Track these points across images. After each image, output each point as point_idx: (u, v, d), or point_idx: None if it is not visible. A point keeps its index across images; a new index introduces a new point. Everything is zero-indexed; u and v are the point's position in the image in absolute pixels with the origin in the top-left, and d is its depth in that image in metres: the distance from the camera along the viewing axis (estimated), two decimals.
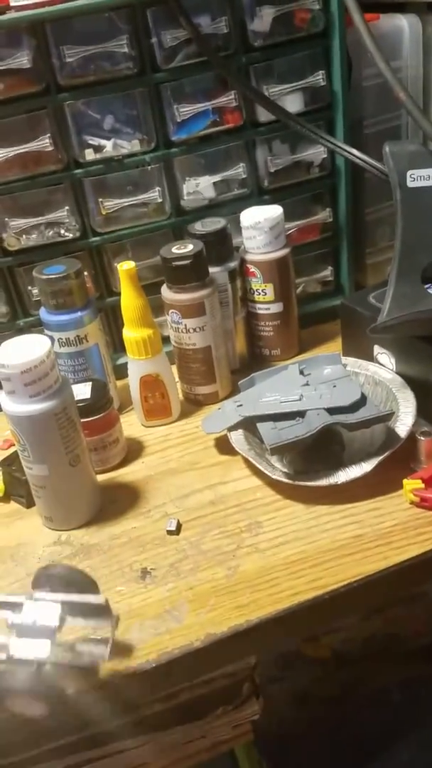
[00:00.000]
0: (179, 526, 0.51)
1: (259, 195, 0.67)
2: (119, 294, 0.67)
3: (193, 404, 0.65)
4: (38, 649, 0.38)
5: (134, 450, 0.61)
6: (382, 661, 0.91)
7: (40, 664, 0.38)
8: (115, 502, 0.55)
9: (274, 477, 0.51)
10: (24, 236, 0.62)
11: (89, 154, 0.61)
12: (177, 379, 0.64)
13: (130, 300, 0.57)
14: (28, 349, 0.47)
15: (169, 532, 0.51)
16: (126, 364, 0.61)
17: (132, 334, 0.58)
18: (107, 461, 0.58)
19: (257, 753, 0.96)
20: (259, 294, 0.65)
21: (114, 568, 0.49)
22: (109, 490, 0.56)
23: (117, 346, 0.68)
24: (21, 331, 0.67)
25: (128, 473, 0.58)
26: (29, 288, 0.65)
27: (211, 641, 0.42)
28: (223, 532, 0.50)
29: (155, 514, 0.53)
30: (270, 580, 0.45)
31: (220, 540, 0.50)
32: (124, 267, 0.56)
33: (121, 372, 0.65)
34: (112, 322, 0.68)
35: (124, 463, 0.59)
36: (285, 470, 0.54)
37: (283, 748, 0.90)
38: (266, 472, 0.52)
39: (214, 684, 0.49)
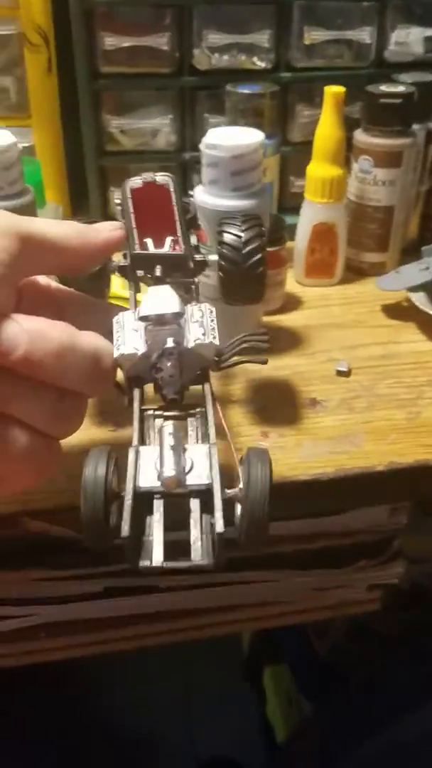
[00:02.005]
0: (350, 370, 0.48)
1: None
2: (294, 144, 0.63)
3: (354, 273, 0.61)
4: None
5: (292, 302, 0.57)
6: None
7: None
8: (276, 341, 0.51)
9: None
10: (216, 55, 0.58)
11: None
12: None
13: (329, 130, 0.53)
14: (240, 137, 0.43)
15: (339, 373, 0.47)
16: None
17: (319, 170, 0.54)
18: (268, 302, 0.54)
19: (295, 690, 0.94)
20: None
21: (280, 392, 0.46)
22: (268, 330, 0.53)
23: (280, 205, 0.63)
24: (184, 165, 0.63)
25: (287, 320, 0.55)
26: (206, 116, 0.61)
27: (394, 468, 0.39)
28: (400, 383, 0.46)
29: (320, 356, 0.50)
30: None
31: (397, 388, 0.46)
32: (333, 89, 0.51)
33: None
34: (282, 176, 0.63)
35: (282, 310, 0.56)
36: None
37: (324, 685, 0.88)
38: None
39: (361, 537, 0.45)
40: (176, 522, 0.27)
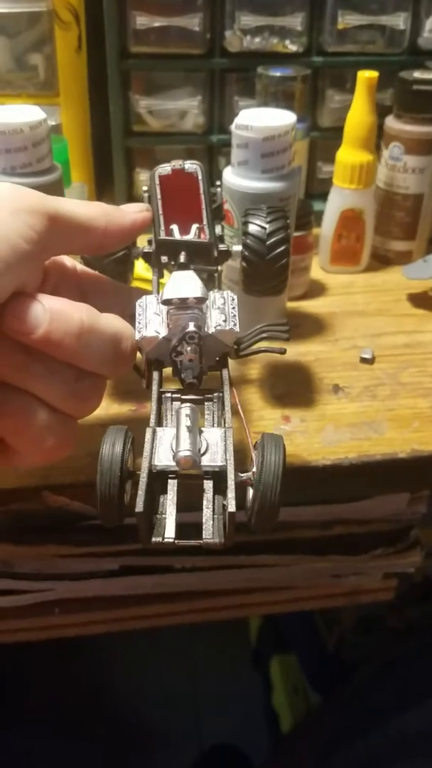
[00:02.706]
0: (374, 358, 0.47)
1: None
2: (324, 130, 0.62)
3: (380, 261, 0.60)
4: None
5: (316, 289, 0.57)
6: None
7: None
8: (299, 327, 0.51)
9: None
10: (248, 37, 0.58)
11: None
12: None
13: (361, 115, 0.52)
14: (271, 118, 0.43)
15: (363, 360, 0.47)
16: None
17: (349, 156, 0.53)
18: (292, 288, 0.54)
19: (302, 680, 0.94)
20: None
21: (302, 377, 0.45)
22: (292, 316, 0.53)
23: (308, 191, 0.63)
24: (211, 148, 0.63)
25: (311, 306, 0.54)
26: (235, 98, 0.60)
27: (416, 456, 0.38)
28: (424, 372, 0.46)
29: (344, 343, 0.49)
30: None
31: (421, 377, 0.45)
32: (366, 74, 0.51)
33: None
34: (311, 161, 0.63)
35: (306, 296, 0.55)
36: None
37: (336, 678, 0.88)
38: None
39: (378, 525, 0.45)
40: (188, 505, 0.27)
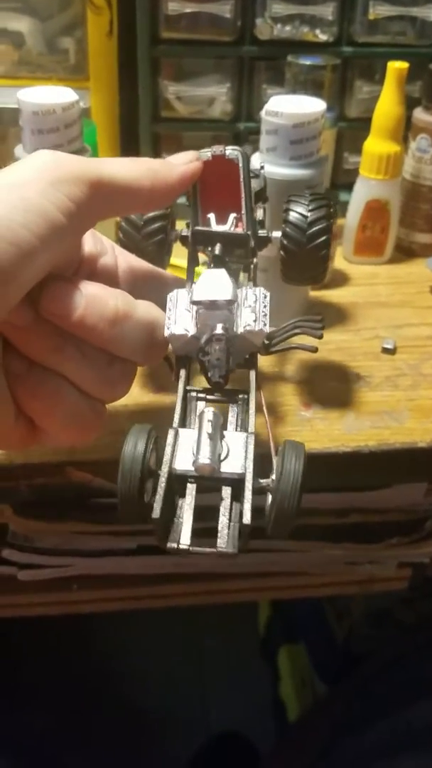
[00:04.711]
0: (396, 348, 0.47)
1: None
2: (351, 121, 0.62)
3: (404, 253, 0.60)
4: None
5: (338, 279, 0.57)
6: None
7: None
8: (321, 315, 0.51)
9: None
10: (278, 25, 0.58)
11: None
12: None
13: (390, 105, 0.52)
14: (302, 105, 0.43)
15: (385, 350, 0.47)
16: None
17: (376, 146, 0.53)
18: None
19: (309, 671, 0.95)
20: None
21: (324, 366, 0.46)
22: (315, 305, 0.53)
23: (333, 181, 0.63)
24: (238, 136, 0.63)
25: (334, 295, 0.54)
26: (263, 86, 0.60)
27: None
28: None
29: (365, 333, 0.49)
30: None
31: None
32: (397, 65, 0.50)
33: None
34: (337, 151, 0.63)
35: (328, 285, 0.55)
36: None
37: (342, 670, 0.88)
38: None
39: (395, 515, 0.45)
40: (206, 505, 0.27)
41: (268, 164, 0.44)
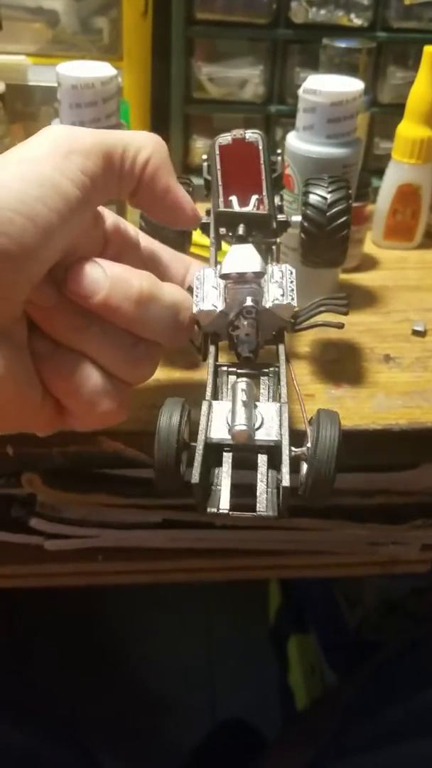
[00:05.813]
0: (426, 331, 0.47)
1: None
2: (384, 106, 0.62)
3: None
4: None
5: (368, 262, 0.57)
6: None
7: None
8: (351, 298, 0.50)
9: None
10: (314, 9, 0.58)
11: None
12: None
13: (424, 90, 0.52)
14: (340, 84, 0.43)
15: (416, 333, 0.47)
16: None
17: (410, 130, 0.53)
18: (347, 259, 0.54)
19: (318, 660, 0.95)
20: None
21: (353, 346, 0.46)
22: (344, 287, 0.53)
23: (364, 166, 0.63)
24: (268, 118, 0.63)
25: (363, 278, 0.54)
26: (296, 69, 0.60)
27: None
28: None
29: (395, 315, 0.49)
30: None
31: None
32: None
33: None
34: (369, 136, 0.63)
35: (358, 269, 0.55)
36: None
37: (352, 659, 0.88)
38: None
39: (420, 497, 0.46)
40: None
41: (305, 142, 0.44)
